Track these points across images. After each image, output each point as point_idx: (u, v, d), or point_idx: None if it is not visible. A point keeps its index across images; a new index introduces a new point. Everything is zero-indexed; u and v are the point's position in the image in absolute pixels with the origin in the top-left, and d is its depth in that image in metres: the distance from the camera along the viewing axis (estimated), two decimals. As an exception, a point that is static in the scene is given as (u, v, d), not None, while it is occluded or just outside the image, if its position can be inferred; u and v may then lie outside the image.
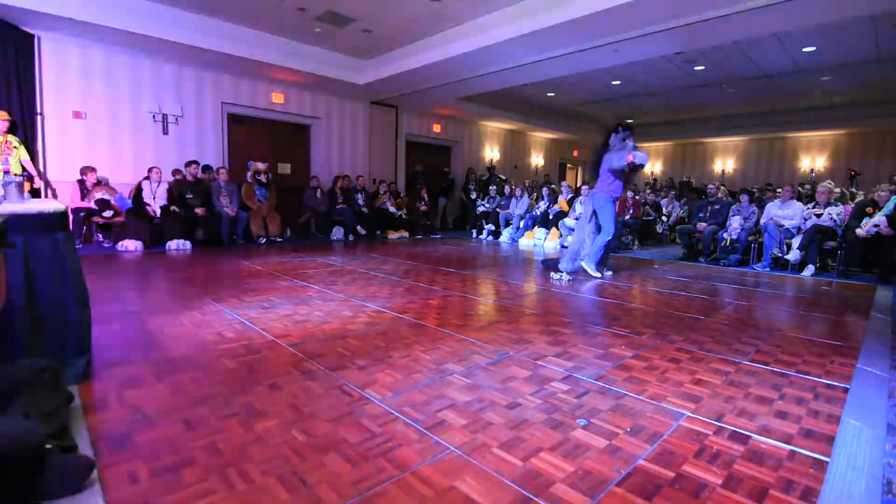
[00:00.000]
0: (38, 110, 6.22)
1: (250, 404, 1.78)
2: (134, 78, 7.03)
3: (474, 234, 9.89)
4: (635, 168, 4.67)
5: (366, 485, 1.30)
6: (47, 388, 1.41)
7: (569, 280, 4.66)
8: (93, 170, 6.33)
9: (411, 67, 7.74)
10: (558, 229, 8.13)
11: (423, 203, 10.01)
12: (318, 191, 8.74)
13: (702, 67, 8.48)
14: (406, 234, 9.25)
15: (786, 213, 6.01)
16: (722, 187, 7.72)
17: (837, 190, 6.32)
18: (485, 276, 5.06)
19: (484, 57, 7.06)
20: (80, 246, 6.08)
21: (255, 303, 3.41)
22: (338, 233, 8.46)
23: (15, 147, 5.65)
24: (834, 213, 5.63)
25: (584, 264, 5.00)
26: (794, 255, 5.58)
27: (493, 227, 9.54)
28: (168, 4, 6.22)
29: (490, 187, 10.44)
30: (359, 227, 8.53)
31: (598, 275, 4.89)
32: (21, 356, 1.74)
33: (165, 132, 7.37)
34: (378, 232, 8.96)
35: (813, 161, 12.38)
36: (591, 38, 6.18)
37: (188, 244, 6.36)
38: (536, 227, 8.70)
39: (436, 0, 5.99)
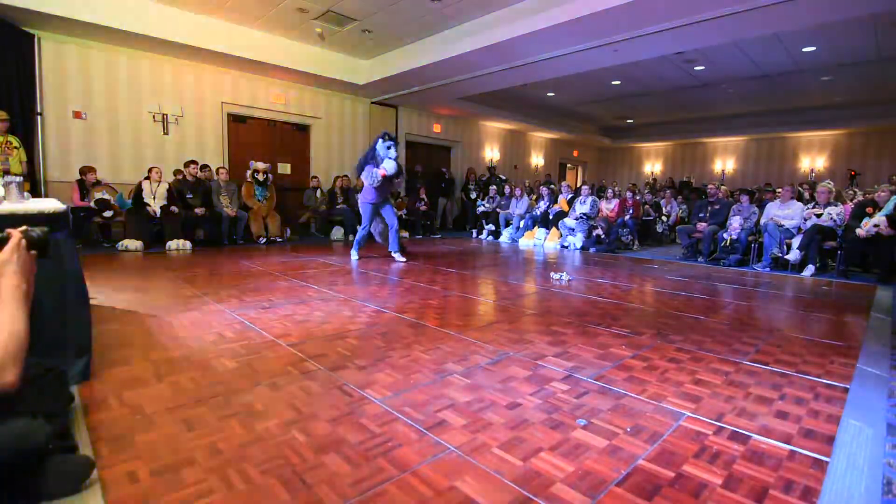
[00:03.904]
0: (38, 110, 6.22)
1: (250, 404, 1.78)
2: (134, 78, 7.03)
3: (474, 234, 9.89)
4: (391, 178, 5.47)
5: (366, 485, 1.30)
6: (51, 388, 1.41)
7: (569, 280, 4.67)
8: (93, 170, 6.33)
9: (411, 67, 7.74)
10: (558, 229, 8.13)
11: (422, 203, 10.01)
12: (318, 191, 8.74)
13: (702, 67, 8.49)
14: (406, 234, 9.25)
15: (786, 213, 6.01)
16: (722, 187, 7.72)
17: (835, 190, 6.32)
18: (485, 276, 5.06)
19: (484, 57, 7.05)
20: (80, 246, 6.08)
21: (255, 303, 3.41)
22: (338, 233, 8.45)
23: (15, 147, 5.65)
24: (834, 213, 5.62)
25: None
26: (794, 255, 5.58)
27: (493, 227, 9.54)
28: (168, 4, 6.23)
29: (490, 187, 10.45)
30: (359, 227, 8.51)
31: (403, 259, 5.84)
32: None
33: (165, 132, 7.38)
34: (378, 232, 8.95)
35: (813, 161, 12.37)
36: (591, 38, 6.18)
37: (188, 244, 6.36)
38: (536, 227, 8.70)
39: (436, 0, 5.99)
